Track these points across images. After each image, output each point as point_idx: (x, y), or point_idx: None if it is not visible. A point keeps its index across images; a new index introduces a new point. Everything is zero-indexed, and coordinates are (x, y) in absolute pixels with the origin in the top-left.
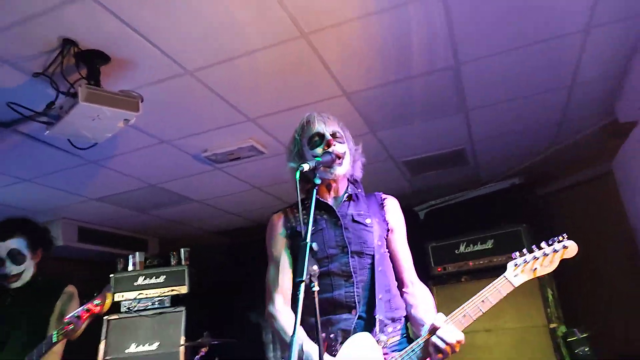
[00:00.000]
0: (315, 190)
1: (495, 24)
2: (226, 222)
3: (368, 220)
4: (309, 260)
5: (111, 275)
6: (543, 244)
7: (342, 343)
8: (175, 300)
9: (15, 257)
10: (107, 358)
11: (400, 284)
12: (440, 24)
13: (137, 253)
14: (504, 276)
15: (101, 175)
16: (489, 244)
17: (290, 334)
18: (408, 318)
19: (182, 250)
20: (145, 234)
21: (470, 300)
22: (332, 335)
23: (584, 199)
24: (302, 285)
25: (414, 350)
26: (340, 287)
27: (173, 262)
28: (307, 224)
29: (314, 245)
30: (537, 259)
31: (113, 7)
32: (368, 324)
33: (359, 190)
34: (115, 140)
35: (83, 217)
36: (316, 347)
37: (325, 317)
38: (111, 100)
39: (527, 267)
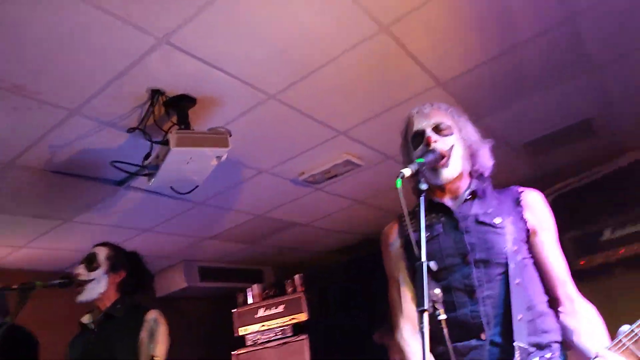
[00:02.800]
0: (422, 197)
1: None
2: (335, 241)
3: (497, 220)
4: (430, 283)
5: (233, 311)
6: None
7: None
8: (298, 328)
9: (90, 261)
10: None
11: (554, 302)
12: None
13: (254, 285)
14: None
15: (210, 215)
16: None
17: None
18: (566, 346)
19: (295, 277)
20: (259, 264)
21: None
22: None
23: None
24: (425, 315)
25: None
26: (464, 305)
27: (288, 289)
28: (419, 239)
29: (432, 264)
30: None
31: (186, 46)
32: (504, 353)
33: (486, 184)
34: (217, 178)
35: (200, 256)
36: None
37: (452, 345)
38: (201, 140)
39: None
